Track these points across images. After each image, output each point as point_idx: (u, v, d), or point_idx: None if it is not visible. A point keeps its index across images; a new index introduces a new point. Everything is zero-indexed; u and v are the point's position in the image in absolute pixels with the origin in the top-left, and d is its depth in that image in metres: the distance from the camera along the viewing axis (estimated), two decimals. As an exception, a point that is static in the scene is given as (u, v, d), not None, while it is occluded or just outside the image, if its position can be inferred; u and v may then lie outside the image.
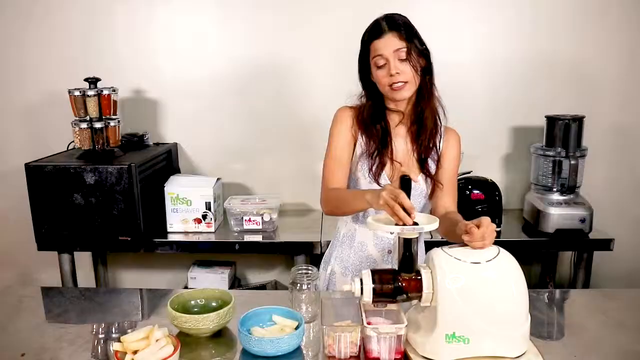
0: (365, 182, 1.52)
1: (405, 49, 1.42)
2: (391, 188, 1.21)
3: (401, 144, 1.54)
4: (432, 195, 1.55)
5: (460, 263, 1.12)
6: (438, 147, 1.55)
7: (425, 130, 1.51)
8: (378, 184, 1.50)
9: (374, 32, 1.45)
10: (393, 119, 1.55)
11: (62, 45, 2.50)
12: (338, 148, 1.54)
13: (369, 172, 1.51)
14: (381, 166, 1.51)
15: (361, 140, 1.54)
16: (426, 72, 1.48)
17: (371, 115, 1.53)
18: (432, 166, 1.53)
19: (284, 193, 2.56)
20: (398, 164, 1.52)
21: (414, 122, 1.53)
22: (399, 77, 1.42)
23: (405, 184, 1.22)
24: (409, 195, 1.19)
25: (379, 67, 1.44)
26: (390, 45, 1.42)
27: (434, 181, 1.53)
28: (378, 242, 1.57)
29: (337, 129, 1.55)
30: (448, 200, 1.54)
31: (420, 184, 1.52)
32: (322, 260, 1.71)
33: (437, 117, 1.53)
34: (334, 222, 1.71)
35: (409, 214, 1.15)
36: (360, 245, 1.59)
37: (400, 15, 1.48)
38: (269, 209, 2.30)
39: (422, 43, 1.47)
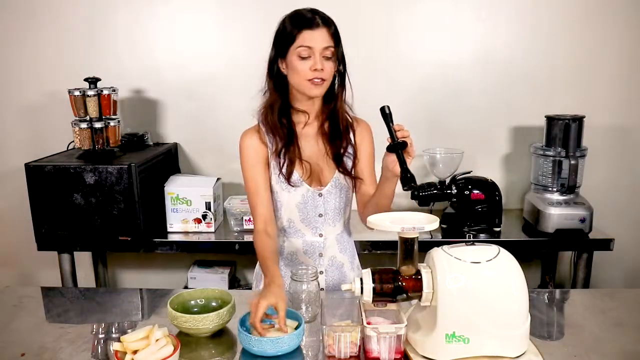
0: (276, 181, 1.51)
1: (332, 49, 1.41)
2: (255, 302, 1.21)
3: (311, 144, 1.53)
4: (356, 189, 1.57)
5: (460, 263, 1.12)
6: (353, 143, 1.55)
7: (339, 129, 1.51)
8: (289, 183, 1.49)
9: (306, 21, 1.40)
10: (299, 118, 1.52)
11: (62, 45, 2.50)
12: (252, 180, 1.51)
13: (280, 172, 1.49)
14: (291, 165, 1.48)
15: (268, 140, 1.51)
16: (340, 75, 1.48)
17: (276, 111, 1.49)
18: (348, 163, 1.53)
19: (284, 193, 2.56)
20: (307, 163, 1.50)
21: (325, 122, 1.52)
22: (322, 73, 1.40)
23: (383, 112, 1.29)
24: (391, 123, 1.28)
25: (302, 59, 1.40)
26: (321, 40, 1.39)
27: (353, 177, 1.53)
28: (308, 249, 1.56)
29: (244, 159, 1.52)
30: (372, 189, 1.53)
31: (340, 181, 1.52)
32: (254, 275, 1.68)
33: (348, 115, 1.54)
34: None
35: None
36: (290, 255, 1.58)
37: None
38: (269, 209, 2.30)
39: (342, 51, 1.46)
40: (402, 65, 2.46)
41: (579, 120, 2.23)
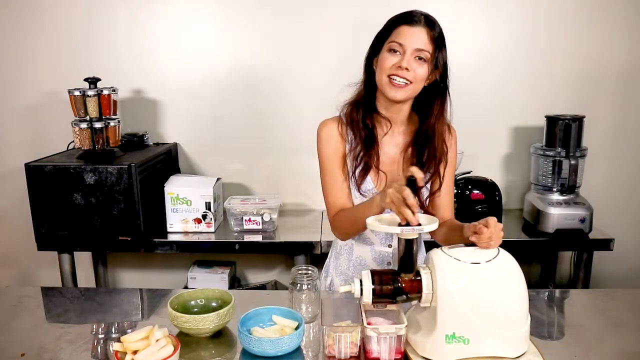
0: (348, 185, 1.44)
1: (428, 53, 1.30)
2: (397, 185, 1.13)
3: (388, 155, 1.44)
4: (429, 199, 1.46)
5: (460, 263, 1.12)
6: (438, 170, 1.43)
7: (432, 157, 1.39)
8: (359, 190, 1.41)
9: (406, 17, 1.31)
10: (380, 125, 1.43)
11: (62, 45, 2.50)
12: (331, 164, 1.42)
13: (352, 174, 1.41)
14: (365, 170, 1.40)
15: (348, 138, 1.43)
16: (438, 91, 1.38)
17: (361, 109, 1.40)
18: (424, 191, 1.42)
19: (284, 193, 2.56)
20: (384, 174, 1.41)
21: (412, 144, 1.42)
22: (406, 73, 1.29)
23: (411, 185, 1.14)
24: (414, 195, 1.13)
25: (391, 53, 1.31)
26: (417, 39, 1.29)
27: (427, 199, 1.44)
28: (376, 257, 1.50)
29: (324, 146, 1.43)
30: (446, 211, 1.46)
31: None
32: (323, 269, 1.65)
33: (444, 142, 1.41)
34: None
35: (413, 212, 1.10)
36: (359, 259, 1.52)
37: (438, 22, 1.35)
38: (269, 209, 2.30)
39: (445, 58, 1.34)
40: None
41: (579, 120, 2.23)
